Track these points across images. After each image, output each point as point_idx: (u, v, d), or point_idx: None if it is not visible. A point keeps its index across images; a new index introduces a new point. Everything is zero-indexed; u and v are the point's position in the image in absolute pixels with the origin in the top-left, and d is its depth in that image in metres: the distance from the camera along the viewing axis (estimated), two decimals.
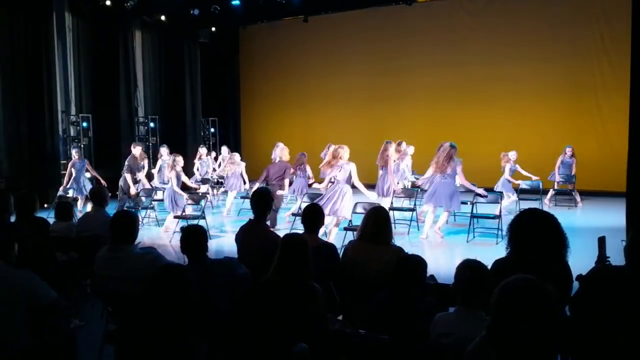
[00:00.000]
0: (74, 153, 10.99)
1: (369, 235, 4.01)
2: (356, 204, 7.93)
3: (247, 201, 9.15)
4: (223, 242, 8.61)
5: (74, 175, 10.59)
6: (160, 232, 9.42)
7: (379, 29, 15.17)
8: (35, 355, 3.23)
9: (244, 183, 11.44)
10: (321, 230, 7.27)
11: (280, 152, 9.41)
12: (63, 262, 5.07)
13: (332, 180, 8.05)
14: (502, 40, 13.72)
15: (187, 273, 2.80)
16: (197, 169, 12.95)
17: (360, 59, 15.57)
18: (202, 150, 13.34)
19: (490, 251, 7.40)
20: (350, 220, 7.99)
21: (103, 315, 4.53)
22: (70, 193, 10.50)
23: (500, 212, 8.52)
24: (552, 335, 1.44)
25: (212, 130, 17.14)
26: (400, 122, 15.02)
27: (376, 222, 4.03)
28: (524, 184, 10.72)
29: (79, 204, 10.46)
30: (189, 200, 9.18)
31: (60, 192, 10.63)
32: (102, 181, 10.53)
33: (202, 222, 8.17)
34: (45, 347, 3.31)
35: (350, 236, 7.00)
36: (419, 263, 3.28)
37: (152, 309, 2.64)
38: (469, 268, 2.73)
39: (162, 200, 10.02)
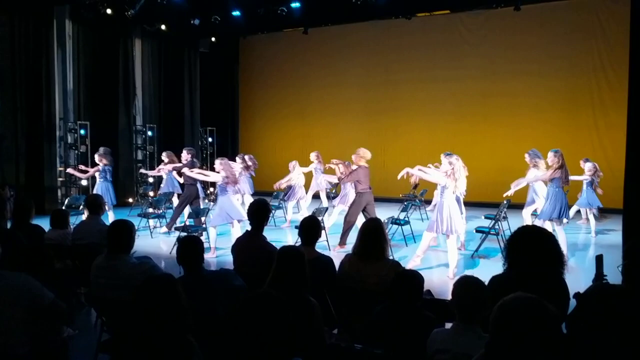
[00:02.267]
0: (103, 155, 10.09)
1: (361, 252, 3.98)
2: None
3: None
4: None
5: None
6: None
7: (378, 41, 15.26)
8: None
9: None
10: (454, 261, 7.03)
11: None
12: (58, 270, 5.04)
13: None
14: (500, 56, 13.81)
15: (174, 282, 2.76)
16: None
17: (359, 71, 15.64)
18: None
19: (492, 267, 7.39)
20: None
21: (96, 324, 4.50)
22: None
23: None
24: (551, 353, 1.43)
25: (210, 139, 17.14)
26: (398, 134, 15.07)
27: (365, 238, 4.00)
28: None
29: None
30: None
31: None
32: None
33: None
34: (41, 355, 3.28)
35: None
36: (415, 278, 3.26)
37: (144, 320, 2.61)
38: (467, 284, 2.73)
39: None
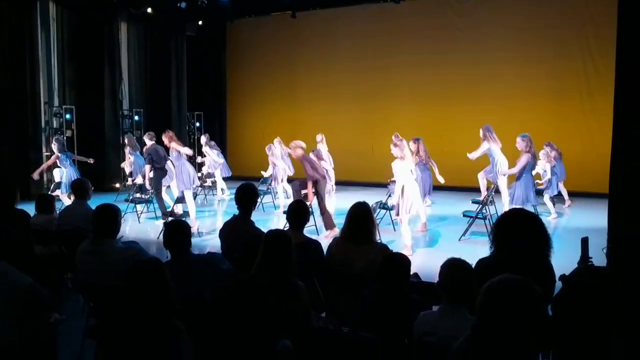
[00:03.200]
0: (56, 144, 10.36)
1: (349, 235, 3.98)
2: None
3: None
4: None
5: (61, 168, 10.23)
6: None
7: (366, 26, 15.16)
8: (16, 349, 3.18)
9: None
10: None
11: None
12: (44, 256, 5.00)
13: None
14: (488, 41, 13.78)
15: (161, 267, 2.74)
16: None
17: (347, 55, 15.55)
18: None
19: (479, 250, 7.43)
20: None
21: (84, 309, 4.48)
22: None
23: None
24: (536, 334, 1.44)
25: (198, 124, 17.02)
26: (387, 119, 15.03)
27: (353, 222, 3.99)
28: None
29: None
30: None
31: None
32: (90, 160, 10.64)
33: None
34: (27, 341, 3.25)
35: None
36: (403, 261, 3.27)
37: (131, 304, 2.60)
38: (454, 267, 2.74)
39: None
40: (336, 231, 8.25)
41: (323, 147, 11.78)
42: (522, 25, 13.40)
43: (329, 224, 8.44)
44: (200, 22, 16.28)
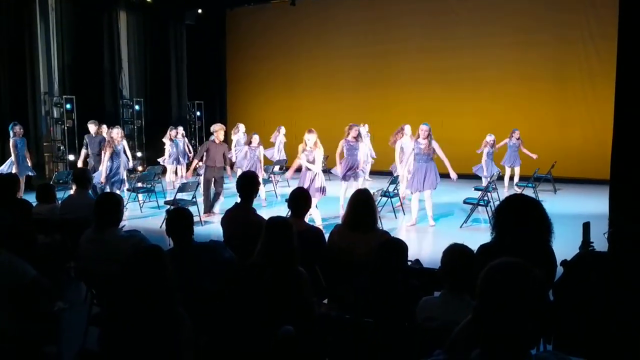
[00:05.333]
0: (18, 129, 10.28)
1: (351, 222, 3.99)
2: None
3: None
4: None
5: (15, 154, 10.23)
6: None
7: (365, 13, 15.10)
8: (19, 338, 3.19)
9: None
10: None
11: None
12: (46, 245, 5.02)
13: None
14: (489, 26, 13.72)
15: (162, 253, 2.75)
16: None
17: (347, 42, 15.50)
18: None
19: (483, 237, 7.44)
20: None
21: (86, 298, 4.50)
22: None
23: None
24: (537, 318, 1.45)
25: (198, 113, 17.00)
26: (387, 106, 15.00)
27: (354, 209, 4.00)
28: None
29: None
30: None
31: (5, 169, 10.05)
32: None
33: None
34: (29, 330, 3.27)
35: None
36: (397, 247, 3.26)
37: (132, 291, 2.60)
38: (456, 252, 2.74)
39: None
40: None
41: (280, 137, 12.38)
42: (522, 10, 13.33)
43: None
44: (199, 11, 16.21)
